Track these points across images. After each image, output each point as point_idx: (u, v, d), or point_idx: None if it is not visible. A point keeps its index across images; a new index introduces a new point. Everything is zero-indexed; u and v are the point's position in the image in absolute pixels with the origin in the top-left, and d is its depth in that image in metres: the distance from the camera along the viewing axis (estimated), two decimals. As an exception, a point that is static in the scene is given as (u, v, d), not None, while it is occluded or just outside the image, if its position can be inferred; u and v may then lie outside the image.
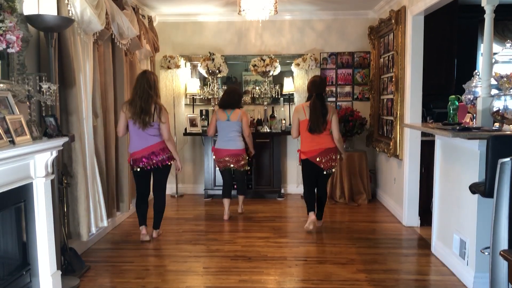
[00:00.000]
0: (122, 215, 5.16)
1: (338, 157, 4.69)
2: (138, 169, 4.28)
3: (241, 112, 5.10)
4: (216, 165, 5.34)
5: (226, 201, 5.26)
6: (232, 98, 5.11)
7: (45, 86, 3.13)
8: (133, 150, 4.26)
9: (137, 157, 4.24)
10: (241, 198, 5.45)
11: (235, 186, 5.49)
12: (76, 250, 3.73)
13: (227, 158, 5.12)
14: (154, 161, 4.24)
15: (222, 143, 5.12)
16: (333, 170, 4.72)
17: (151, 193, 4.54)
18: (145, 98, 4.12)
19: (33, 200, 2.99)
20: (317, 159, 4.55)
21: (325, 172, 4.63)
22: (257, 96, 6.34)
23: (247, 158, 5.26)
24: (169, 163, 4.36)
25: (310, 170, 4.67)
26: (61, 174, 3.59)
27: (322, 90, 4.60)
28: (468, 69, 4.61)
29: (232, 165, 5.15)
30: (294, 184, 6.58)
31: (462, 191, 3.46)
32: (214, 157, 5.29)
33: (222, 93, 5.59)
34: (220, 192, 5.60)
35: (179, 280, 3.53)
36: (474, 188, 3.04)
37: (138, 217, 4.49)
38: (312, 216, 4.69)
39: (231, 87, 5.56)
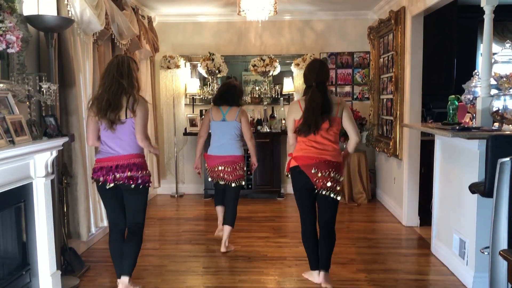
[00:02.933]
0: (122, 215, 5.14)
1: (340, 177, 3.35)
2: (99, 184, 3.09)
3: (239, 111, 4.05)
4: (209, 176, 4.25)
5: (220, 210, 4.34)
6: (229, 93, 4.10)
7: (45, 86, 3.13)
8: (97, 156, 3.13)
9: (97, 167, 3.08)
10: (227, 229, 4.11)
11: None
12: (76, 250, 3.74)
13: (220, 168, 4.04)
14: (117, 177, 3.01)
15: (215, 149, 4.09)
16: (338, 197, 3.30)
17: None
18: (113, 90, 2.97)
19: (33, 200, 3.00)
20: (312, 171, 3.22)
21: (323, 193, 3.25)
22: (257, 96, 6.35)
23: (247, 170, 4.29)
24: (144, 185, 3.09)
25: (302, 186, 3.35)
26: (61, 174, 3.60)
27: (323, 77, 3.27)
28: (467, 69, 4.61)
29: (226, 175, 4.05)
30: (294, 184, 6.58)
31: (461, 191, 3.46)
32: (206, 165, 4.21)
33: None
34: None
35: (179, 280, 3.54)
36: (473, 188, 3.05)
37: (112, 259, 3.26)
38: (319, 277, 3.33)
39: (230, 81, 4.44)
